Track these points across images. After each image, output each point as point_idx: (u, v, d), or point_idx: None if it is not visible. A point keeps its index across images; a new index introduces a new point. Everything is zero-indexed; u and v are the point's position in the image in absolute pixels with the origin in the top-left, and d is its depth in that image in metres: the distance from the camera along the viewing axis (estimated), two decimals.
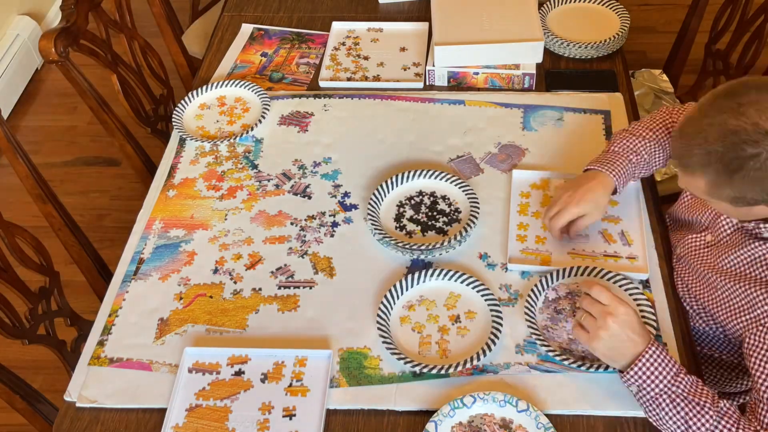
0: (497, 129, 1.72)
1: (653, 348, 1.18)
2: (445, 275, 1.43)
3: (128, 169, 2.69)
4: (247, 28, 2.05)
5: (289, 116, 1.79)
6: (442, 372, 1.29)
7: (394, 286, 1.41)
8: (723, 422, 1.16)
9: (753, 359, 1.21)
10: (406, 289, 1.42)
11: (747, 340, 1.24)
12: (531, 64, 1.80)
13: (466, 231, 1.49)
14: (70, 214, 1.71)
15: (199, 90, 1.85)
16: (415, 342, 1.36)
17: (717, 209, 1.26)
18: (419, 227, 1.53)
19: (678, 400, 1.17)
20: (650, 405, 1.19)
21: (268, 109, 1.78)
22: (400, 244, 1.47)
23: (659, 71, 2.29)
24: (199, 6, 2.60)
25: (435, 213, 1.55)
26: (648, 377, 1.17)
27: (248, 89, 1.84)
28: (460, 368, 1.29)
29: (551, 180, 1.58)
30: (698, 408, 1.16)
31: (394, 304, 1.41)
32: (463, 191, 1.57)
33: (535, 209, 1.53)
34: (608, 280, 1.38)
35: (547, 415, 1.25)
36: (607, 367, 1.27)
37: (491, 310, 1.38)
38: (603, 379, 1.29)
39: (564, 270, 1.40)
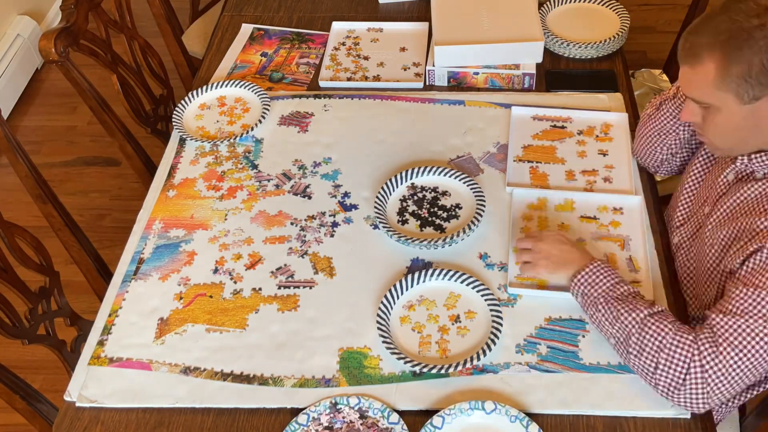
0: (497, 129, 1.72)
1: (597, 262, 1.30)
2: (445, 275, 1.43)
3: (128, 169, 2.69)
4: (247, 28, 2.05)
5: (289, 116, 1.79)
6: (442, 372, 1.30)
7: (394, 286, 1.41)
8: (654, 318, 1.21)
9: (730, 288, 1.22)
10: (406, 289, 1.42)
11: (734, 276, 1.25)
12: (531, 64, 1.80)
13: (470, 228, 1.49)
14: (70, 214, 1.71)
15: (199, 90, 1.85)
16: (414, 342, 1.36)
17: (719, 129, 1.26)
18: (419, 222, 1.54)
19: (613, 301, 1.25)
20: (590, 309, 1.29)
21: (268, 110, 1.78)
22: (403, 238, 1.48)
23: (659, 71, 2.29)
24: (199, 6, 2.60)
25: (436, 209, 1.56)
26: (590, 284, 1.29)
27: (248, 89, 1.84)
28: (459, 368, 1.29)
29: (548, 199, 1.55)
30: (630, 306, 1.24)
31: (394, 303, 1.41)
32: (470, 187, 1.57)
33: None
34: None
35: (546, 416, 1.26)
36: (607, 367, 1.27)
37: (491, 310, 1.38)
38: (603, 379, 1.29)
39: None
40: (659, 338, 1.19)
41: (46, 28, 2.85)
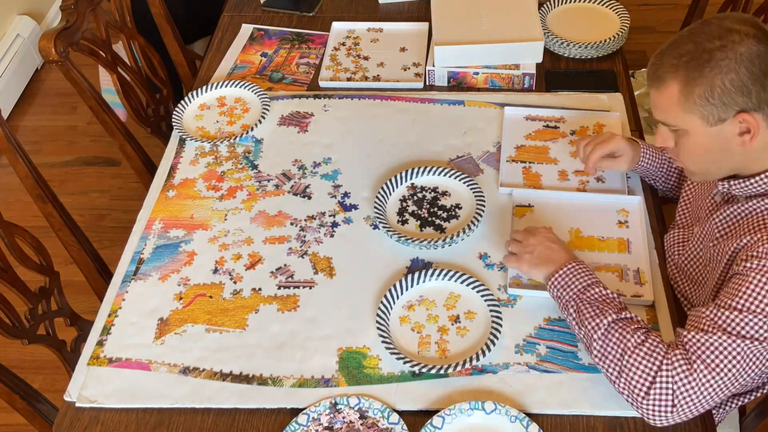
0: (497, 129, 1.72)
1: (573, 263, 1.30)
2: (445, 275, 1.43)
3: (128, 169, 2.68)
4: (247, 28, 2.05)
5: (289, 116, 1.79)
6: (441, 372, 1.30)
7: (394, 286, 1.41)
8: (619, 324, 1.20)
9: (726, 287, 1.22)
10: (406, 289, 1.42)
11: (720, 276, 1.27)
12: (531, 64, 1.80)
13: (470, 228, 1.49)
14: (70, 214, 1.71)
15: (199, 90, 1.85)
16: (414, 342, 1.36)
17: (690, 155, 1.26)
18: (419, 222, 1.54)
19: (582, 303, 1.25)
20: (563, 311, 1.29)
21: (268, 110, 1.78)
22: (403, 238, 1.48)
23: None
24: None
25: (436, 209, 1.56)
26: (563, 285, 1.28)
27: (248, 89, 1.84)
28: (459, 368, 1.29)
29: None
30: (597, 310, 1.23)
31: (394, 304, 1.41)
32: (470, 187, 1.57)
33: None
34: None
35: (546, 416, 1.26)
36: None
37: (491, 311, 1.38)
38: (603, 379, 1.29)
39: None
40: (622, 345, 1.18)
41: (46, 28, 2.86)
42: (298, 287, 1.46)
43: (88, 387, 1.34)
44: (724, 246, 1.28)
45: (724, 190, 1.30)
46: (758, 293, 1.14)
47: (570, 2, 1.97)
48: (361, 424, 1.26)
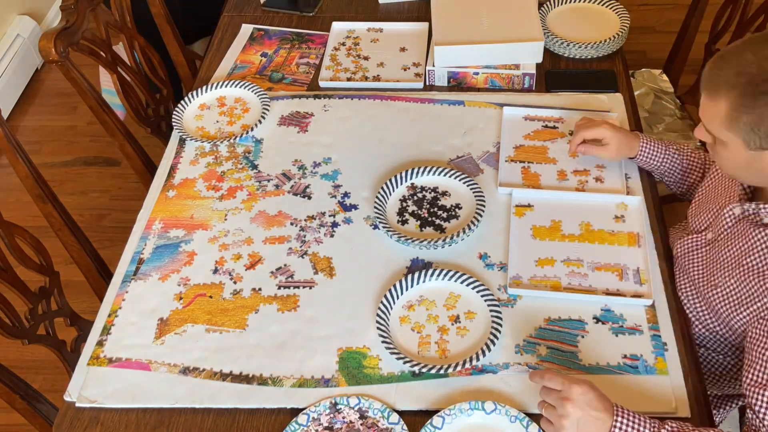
0: (497, 129, 1.72)
1: (620, 418, 1.14)
2: (445, 275, 1.43)
3: (128, 169, 2.68)
4: (247, 29, 2.05)
5: (289, 116, 1.79)
6: (441, 372, 1.30)
7: (394, 286, 1.41)
8: None
9: (750, 353, 1.21)
10: (406, 289, 1.42)
11: (749, 334, 1.24)
12: (531, 64, 1.80)
13: (470, 228, 1.49)
14: (70, 214, 1.71)
15: (199, 90, 1.85)
16: (414, 342, 1.36)
17: (724, 161, 1.24)
18: (419, 222, 1.54)
19: None
20: None
21: (267, 110, 1.78)
22: (403, 238, 1.48)
23: (659, 71, 2.29)
24: None
25: (436, 209, 1.56)
26: None
27: (248, 89, 1.84)
28: (459, 368, 1.29)
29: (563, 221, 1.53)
30: None
31: (394, 304, 1.41)
32: (470, 187, 1.57)
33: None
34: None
35: None
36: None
37: (491, 311, 1.38)
38: (602, 379, 1.29)
39: None
40: None
41: (46, 28, 2.85)
42: (298, 287, 1.46)
43: (88, 387, 1.34)
44: (756, 282, 1.24)
45: (749, 209, 1.27)
46: None
47: (570, 2, 1.97)
48: (361, 424, 1.26)
